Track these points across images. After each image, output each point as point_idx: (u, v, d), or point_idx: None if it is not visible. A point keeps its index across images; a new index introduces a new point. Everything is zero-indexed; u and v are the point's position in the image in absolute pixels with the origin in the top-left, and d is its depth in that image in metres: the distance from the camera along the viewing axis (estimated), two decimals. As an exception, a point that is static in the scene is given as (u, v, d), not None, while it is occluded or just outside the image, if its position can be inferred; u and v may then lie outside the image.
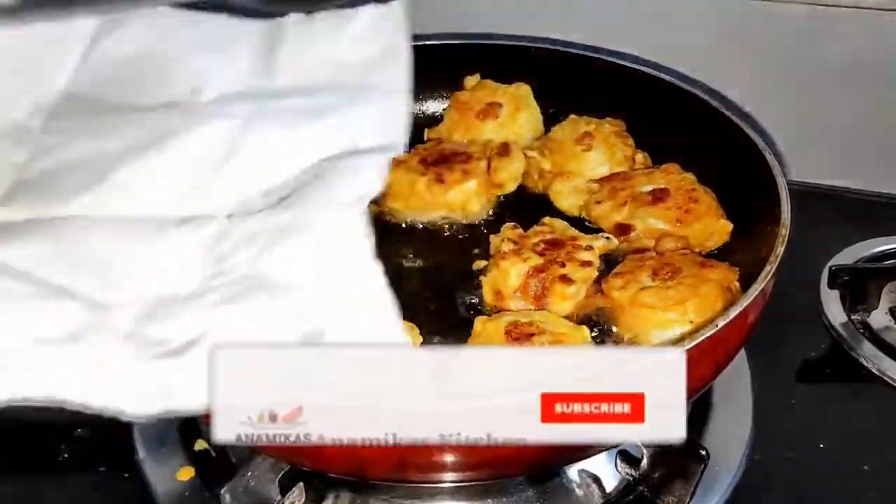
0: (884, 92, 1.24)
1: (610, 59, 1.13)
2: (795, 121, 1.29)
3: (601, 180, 1.05)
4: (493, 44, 1.19)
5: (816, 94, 1.27)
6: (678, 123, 1.06)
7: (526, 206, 1.07)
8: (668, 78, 1.07)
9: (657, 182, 1.01)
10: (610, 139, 1.08)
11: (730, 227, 0.97)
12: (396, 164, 1.06)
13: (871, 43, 1.20)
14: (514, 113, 1.14)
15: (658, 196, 0.99)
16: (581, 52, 1.15)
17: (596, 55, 1.14)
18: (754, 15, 1.22)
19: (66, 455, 0.92)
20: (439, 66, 1.18)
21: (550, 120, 1.15)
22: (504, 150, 1.07)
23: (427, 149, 1.10)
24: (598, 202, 1.02)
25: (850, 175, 1.29)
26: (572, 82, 1.15)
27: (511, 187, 1.07)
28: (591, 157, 1.07)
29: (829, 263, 1.09)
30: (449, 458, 0.69)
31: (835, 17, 1.19)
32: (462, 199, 1.03)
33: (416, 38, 1.29)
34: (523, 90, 1.15)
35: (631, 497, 0.85)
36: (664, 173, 1.03)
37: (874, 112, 1.26)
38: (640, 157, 1.10)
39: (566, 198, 1.06)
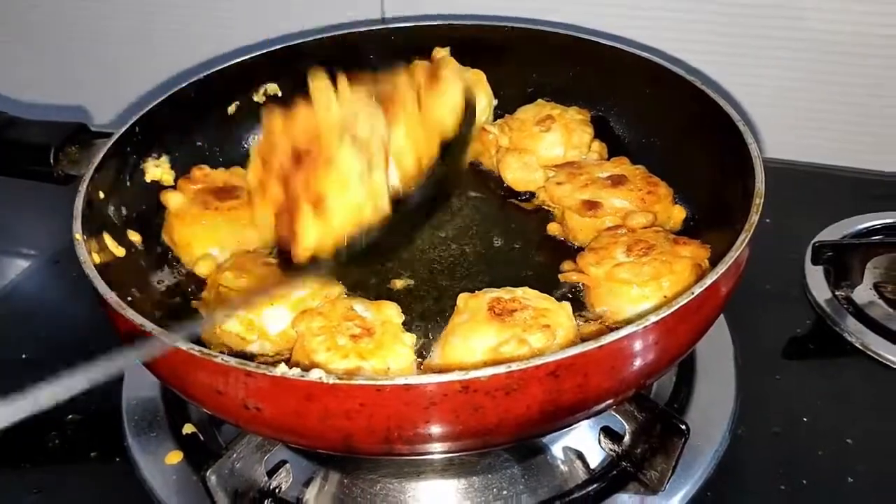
0: (869, 70, 1.24)
1: (586, 37, 1.13)
2: (781, 99, 1.29)
3: (556, 167, 1.06)
4: (461, 24, 1.19)
5: (802, 72, 1.27)
6: (656, 100, 1.07)
7: (479, 183, 1.10)
8: (645, 55, 1.07)
9: (610, 171, 1.03)
10: (570, 125, 1.10)
11: (684, 213, 1.00)
12: None
13: (863, 18, 1.20)
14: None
15: (617, 180, 1.01)
16: (560, 31, 1.15)
17: (573, 33, 1.14)
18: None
19: (56, 441, 0.94)
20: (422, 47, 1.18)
21: (529, 100, 1.16)
22: (433, 74, 0.79)
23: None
24: (559, 183, 1.03)
25: (836, 153, 1.30)
26: (553, 63, 1.15)
27: (451, 125, 0.80)
28: (548, 138, 1.09)
29: (814, 240, 1.10)
30: (435, 428, 0.68)
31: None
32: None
33: (411, 19, 1.30)
34: (477, 75, 1.14)
35: (615, 472, 0.86)
36: (614, 164, 1.04)
37: (861, 90, 1.26)
38: (597, 145, 1.11)
39: (514, 171, 1.07)
